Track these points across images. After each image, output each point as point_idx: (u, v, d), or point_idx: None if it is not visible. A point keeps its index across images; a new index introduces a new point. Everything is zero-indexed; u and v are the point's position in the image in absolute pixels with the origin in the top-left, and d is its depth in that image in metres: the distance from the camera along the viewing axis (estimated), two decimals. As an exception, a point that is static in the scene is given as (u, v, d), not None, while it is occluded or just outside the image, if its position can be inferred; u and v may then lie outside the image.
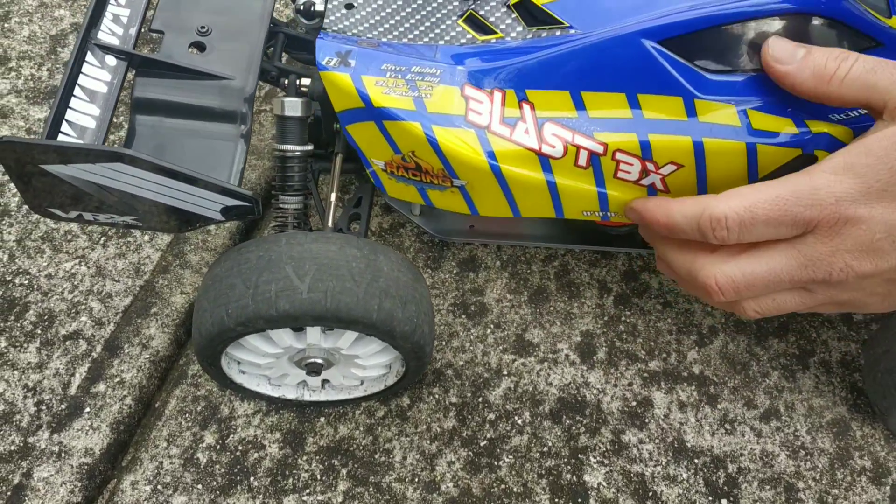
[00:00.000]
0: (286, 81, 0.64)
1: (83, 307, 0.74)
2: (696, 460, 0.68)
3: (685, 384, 0.72)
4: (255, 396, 0.68)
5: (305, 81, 0.63)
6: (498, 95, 0.56)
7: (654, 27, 0.53)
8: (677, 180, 0.57)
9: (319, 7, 0.69)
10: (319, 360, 0.61)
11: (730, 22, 0.53)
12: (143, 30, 0.61)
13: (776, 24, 0.54)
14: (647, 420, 0.70)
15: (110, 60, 0.57)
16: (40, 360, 0.70)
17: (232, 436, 0.68)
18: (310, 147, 0.63)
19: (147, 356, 0.72)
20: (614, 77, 0.55)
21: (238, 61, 0.61)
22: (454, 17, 0.60)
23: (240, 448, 0.67)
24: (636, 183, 0.58)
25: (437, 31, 0.60)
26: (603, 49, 0.54)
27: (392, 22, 0.61)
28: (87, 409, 0.68)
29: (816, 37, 0.54)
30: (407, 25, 0.61)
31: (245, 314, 0.53)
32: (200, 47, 0.61)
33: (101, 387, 0.70)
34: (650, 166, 0.56)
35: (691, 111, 0.55)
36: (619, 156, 0.56)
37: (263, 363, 0.61)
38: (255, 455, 0.67)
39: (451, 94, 0.56)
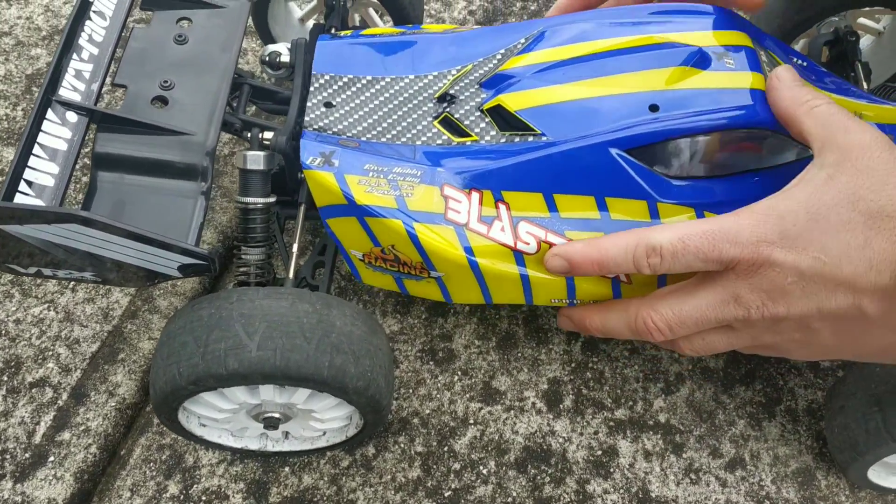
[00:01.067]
0: (249, 134, 0.64)
1: (50, 353, 0.74)
2: (660, 511, 0.68)
3: (651, 433, 0.72)
4: (217, 448, 0.68)
5: (268, 134, 0.64)
6: (476, 196, 0.60)
7: (620, 138, 0.58)
8: (640, 276, 0.60)
9: (285, 58, 0.69)
10: (276, 415, 0.61)
11: (687, 134, 0.58)
12: (105, 84, 0.62)
13: (728, 136, 0.59)
14: (612, 469, 0.70)
15: (71, 117, 0.58)
16: (6, 408, 0.70)
17: (196, 486, 0.68)
18: (272, 199, 0.64)
19: (113, 403, 0.71)
20: (584, 182, 0.60)
21: (200, 115, 0.61)
22: (430, 118, 0.64)
23: (203, 498, 0.67)
24: (602, 276, 0.61)
25: (414, 131, 0.63)
26: (574, 156, 0.59)
27: (370, 121, 0.64)
28: (52, 458, 0.68)
29: (761, 145, 0.60)
30: (385, 125, 0.64)
31: (196, 373, 0.53)
32: (163, 101, 0.62)
33: (66, 435, 0.70)
34: None
35: (654, 213, 0.59)
36: None
37: (221, 418, 0.61)
38: (219, 506, 0.67)
39: (431, 194, 0.59)
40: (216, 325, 0.54)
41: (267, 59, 0.69)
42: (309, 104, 0.65)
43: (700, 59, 0.60)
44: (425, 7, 1.02)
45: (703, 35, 0.62)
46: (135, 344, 0.75)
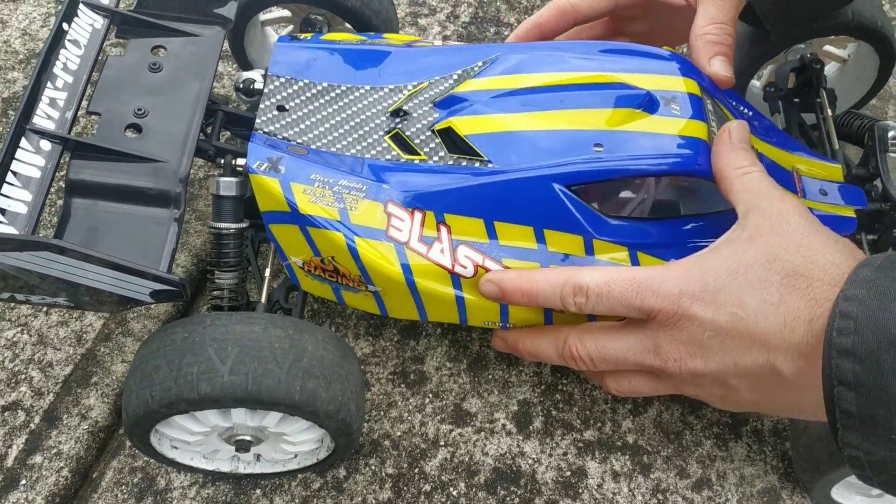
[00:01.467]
0: (223, 160, 0.65)
1: (23, 377, 0.74)
2: (627, 531, 0.69)
3: (619, 453, 0.73)
4: (189, 470, 0.68)
5: (241, 161, 0.65)
6: (418, 216, 0.61)
7: (563, 173, 0.60)
8: None
9: (259, 85, 0.70)
10: (248, 438, 0.62)
11: (629, 176, 0.60)
12: (80, 111, 0.63)
13: (668, 181, 0.61)
14: (580, 490, 0.71)
15: (45, 145, 0.58)
16: (-23, 431, 0.71)
17: (167, 509, 0.68)
18: (245, 224, 0.65)
19: (86, 427, 0.72)
20: (524, 212, 0.61)
21: (173, 143, 0.62)
22: (381, 133, 0.64)
23: (174, 521, 0.68)
24: None
25: (365, 143, 0.64)
26: (517, 186, 0.60)
27: (321, 129, 0.64)
28: (24, 482, 0.69)
29: (697, 192, 0.62)
30: (336, 134, 0.64)
31: (168, 396, 0.54)
32: (137, 129, 0.63)
33: (38, 458, 0.70)
34: None
35: (589, 249, 0.61)
36: None
37: (193, 440, 0.62)
38: (190, 529, 0.67)
39: (374, 210, 0.60)
40: (189, 349, 0.55)
41: (241, 86, 0.70)
42: (262, 106, 0.65)
43: (648, 103, 0.62)
44: (401, 31, 1.04)
45: (653, 78, 0.64)
46: (108, 367, 0.75)
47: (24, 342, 0.76)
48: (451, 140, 0.63)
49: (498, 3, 1.09)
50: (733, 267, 0.51)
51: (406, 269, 0.60)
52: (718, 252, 0.52)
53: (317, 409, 0.56)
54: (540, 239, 0.62)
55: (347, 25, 0.84)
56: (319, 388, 0.56)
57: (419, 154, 0.63)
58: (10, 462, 0.69)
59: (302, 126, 0.64)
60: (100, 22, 0.67)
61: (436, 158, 0.63)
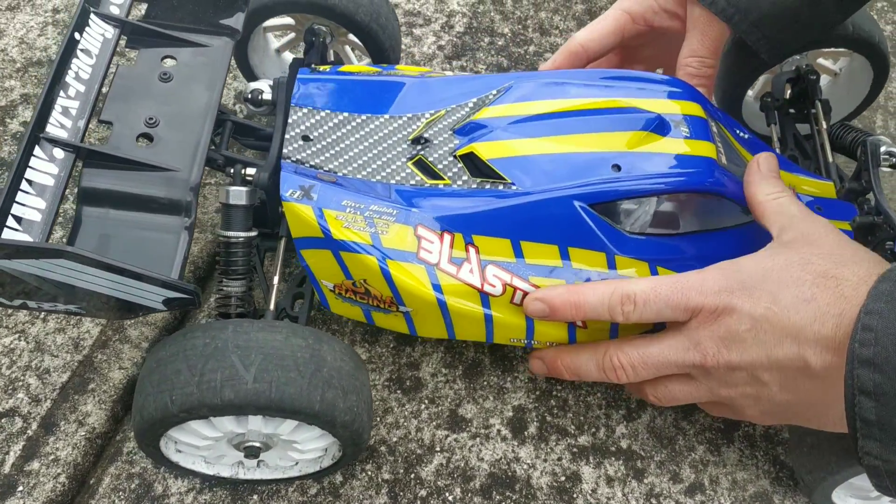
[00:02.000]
0: (232, 170, 0.66)
1: (20, 384, 0.74)
2: (621, 536, 0.70)
3: (613, 459, 0.74)
4: (189, 474, 0.69)
5: (251, 171, 0.66)
6: (447, 238, 0.63)
7: (584, 193, 0.62)
8: (596, 322, 0.64)
9: (267, 96, 0.72)
10: (258, 444, 0.62)
11: (646, 194, 0.63)
12: (91, 121, 0.63)
13: (682, 198, 0.64)
14: (575, 495, 0.72)
15: (58, 153, 0.59)
16: (-26, 438, 0.71)
17: (164, 514, 0.69)
18: (254, 233, 0.66)
19: (83, 433, 0.72)
20: (549, 231, 0.64)
21: (184, 152, 0.63)
22: (404, 159, 0.67)
23: (172, 527, 0.68)
24: None
25: (389, 169, 0.66)
26: (541, 207, 0.63)
27: (347, 157, 0.67)
28: (20, 489, 0.69)
29: (712, 210, 0.65)
30: (361, 161, 0.66)
31: (189, 401, 0.54)
32: (148, 138, 0.63)
33: (36, 465, 0.70)
34: None
35: (612, 264, 0.64)
36: None
37: (202, 445, 0.62)
38: (187, 534, 0.68)
39: (405, 233, 0.62)
40: (212, 354, 0.55)
41: (249, 96, 0.71)
42: (287, 136, 0.67)
43: (659, 125, 0.65)
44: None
45: (663, 103, 0.67)
46: (105, 374, 0.75)
47: (22, 349, 0.76)
48: (474, 164, 0.65)
49: (492, 14, 1.10)
50: (769, 267, 0.55)
51: (437, 289, 0.62)
52: (755, 256, 0.57)
53: (335, 419, 0.57)
54: (564, 256, 0.64)
55: (351, 37, 0.85)
56: (338, 398, 0.57)
57: (443, 179, 0.65)
58: (7, 469, 0.70)
59: (328, 154, 0.66)
60: (110, 32, 0.67)
61: (460, 182, 0.65)
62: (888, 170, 0.75)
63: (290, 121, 0.67)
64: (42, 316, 0.78)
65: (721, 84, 0.89)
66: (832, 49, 0.86)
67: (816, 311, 0.51)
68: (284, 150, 0.66)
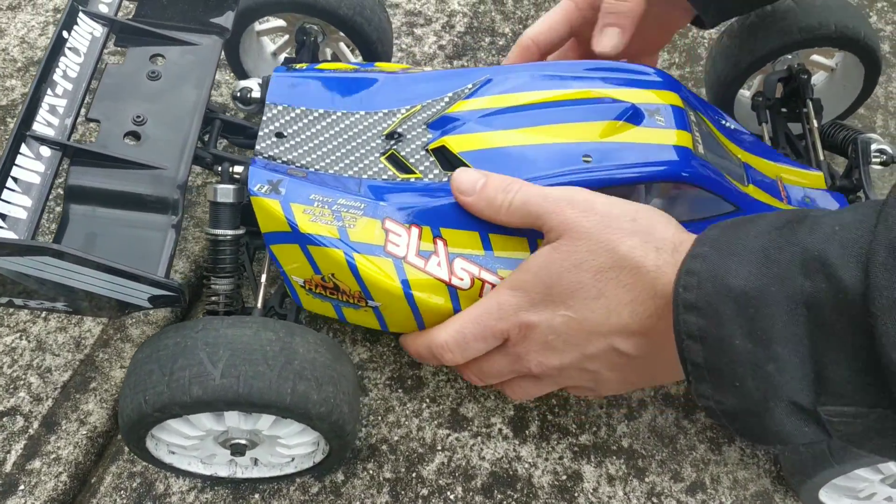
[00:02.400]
0: (220, 168, 0.66)
1: (22, 382, 0.74)
2: (622, 535, 0.70)
3: (614, 457, 0.74)
4: (187, 475, 0.69)
5: (238, 169, 0.66)
6: (415, 231, 0.62)
7: (554, 184, 0.61)
8: None
9: (256, 94, 0.71)
10: (243, 441, 0.62)
11: (618, 184, 0.62)
12: (79, 119, 0.63)
13: (655, 188, 0.63)
14: (576, 494, 0.72)
15: (45, 151, 0.59)
16: (-24, 437, 0.71)
17: (166, 513, 0.69)
18: (241, 231, 0.65)
19: (84, 432, 0.72)
20: None
21: (172, 150, 0.63)
22: (377, 154, 0.66)
23: (173, 526, 0.68)
24: None
25: (362, 164, 0.66)
26: None
27: (319, 153, 0.66)
28: (22, 487, 0.69)
29: (686, 200, 0.65)
30: (334, 157, 0.66)
31: (161, 400, 0.55)
32: (136, 136, 0.63)
33: (37, 463, 0.70)
34: None
35: None
36: None
37: (189, 444, 0.62)
38: (189, 533, 0.68)
39: (372, 226, 0.62)
40: (181, 353, 0.56)
41: (238, 94, 0.71)
42: (261, 133, 0.66)
43: (633, 115, 0.65)
44: (397, 41, 1.05)
45: (637, 92, 0.67)
46: (106, 373, 0.75)
47: (23, 348, 0.76)
48: (446, 158, 0.65)
49: (493, 14, 1.10)
50: (546, 278, 0.55)
51: (405, 283, 0.61)
52: (530, 268, 0.57)
53: (308, 411, 0.57)
54: (534, 248, 0.63)
55: (342, 34, 0.85)
56: (311, 390, 0.57)
57: (415, 172, 0.65)
58: (8, 467, 0.70)
59: (301, 150, 0.66)
60: (99, 30, 0.68)
61: (431, 176, 0.65)
62: (879, 167, 0.76)
63: (264, 118, 0.67)
64: (43, 315, 0.79)
65: (713, 84, 0.89)
66: (819, 48, 0.86)
67: (607, 306, 0.53)
68: (257, 147, 0.65)
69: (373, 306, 0.65)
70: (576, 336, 0.55)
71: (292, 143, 0.67)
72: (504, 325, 0.57)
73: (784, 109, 0.88)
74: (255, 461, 0.69)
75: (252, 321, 0.58)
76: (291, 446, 0.64)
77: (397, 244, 0.62)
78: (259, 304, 0.66)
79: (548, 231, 0.57)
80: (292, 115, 0.68)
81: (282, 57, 0.92)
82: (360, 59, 0.91)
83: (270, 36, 0.92)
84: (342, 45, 0.90)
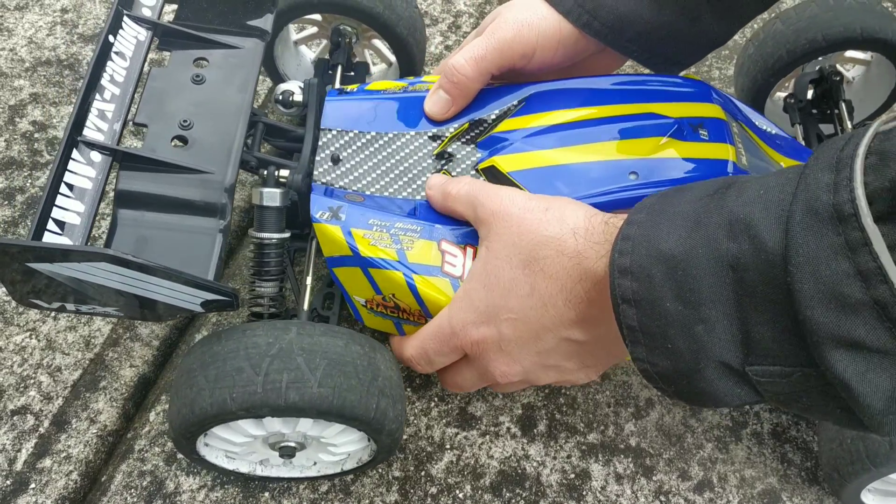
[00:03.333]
0: (265, 172, 0.66)
1: (32, 381, 0.75)
2: (631, 533, 0.70)
3: (622, 456, 0.74)
4: (209, 468, 0.69)
5: (284, 172, 0.66)
6: (470, 251, 0.64)
7: (602, 202, 0.63)
8: None
9: (298, 97, 0.72)
10: (293, 444, 0.62)
11: None
12: (127, 123, 0.63)
13: None
14: (584, 492, 0.72)
15: (95, 156, 0.59)
16: (-13, 435, 0.71)
17: (176, 511, 0.69)
18: (287, 235, 0.66)
19: (95, 431, 0.72)
20: None
21: (219, 154, 0.63)
22: (429, 174, 0.68)
23: (184, 524, 0.68)
24: None
25: (415, 186, 0.68)
26: None
27: (374, 175, 0.68)
28: (33, 486, 0.69)
29: None
30: (387, 180, 0.68)
31: (251, 400, 0.54)
32: (183, 140, 0.63)
33: (48, 462, 0.70)
34: None
35: None
36: None
37: (240, 441, 0.62)
38: (199, 531, 0.68)
39: (429, 248, 0.64)
40: (277, 355, 0.55)
41: (280, 97, 0.71)
42: (317, 158, 0.68)
43: (677, 130, 0.66)
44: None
45: (680, 106, 0.67)
46: (116, 371, 0.76)
47: (33, 347, 0.77)
48: (496, 178, 0.66)
49: (498, 14, 1.11)
50: (485, 280, 0.57)
51: None
52: (472, 273, 0.59)
53: (384, 427, 0.58)
54: None
55: (375, 42, 0.85)
56: (389, 407, 0.58)
57: None
58: (19, 466, 0.70)
59: (356, 174, 0.68)
60: (143, 34, 0.68)
61: None
62: None
63: (319, 143, 0.68)
64: (53, 314, 0.79)
65: (742, 90, 0.89)
66: (849, 51, 0.86)
67: (542, 299, 0.54)
68: (315, 173, 0.67)
69: None
70: (525, 337, 0.56)
71: (347, 166, 0.68)
72: (458, 341, 0.59)
73: (815, 111, 0.88)
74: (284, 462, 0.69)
75: (342, 332, 0.59)
76: (336, 454, 0.65)
77: (454, 264, 0.64)
78: (305, 307, 0.66)
79: (479, 225, 0.60)
80: (346, 138, 0.70)
81: (303, 48, 0.92)
82: (380, 66, 0.91)
83: (308, 44, 0.92)
84: (367, 52, 0.90)
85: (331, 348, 0.56)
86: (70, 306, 0.57)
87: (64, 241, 0.54)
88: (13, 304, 0.79)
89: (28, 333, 0.78)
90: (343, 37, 0.84)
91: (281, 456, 0.63)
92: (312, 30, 0.89)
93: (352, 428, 0.59)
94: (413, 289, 0.63)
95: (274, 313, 0.65)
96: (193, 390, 0.56)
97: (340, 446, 0.64)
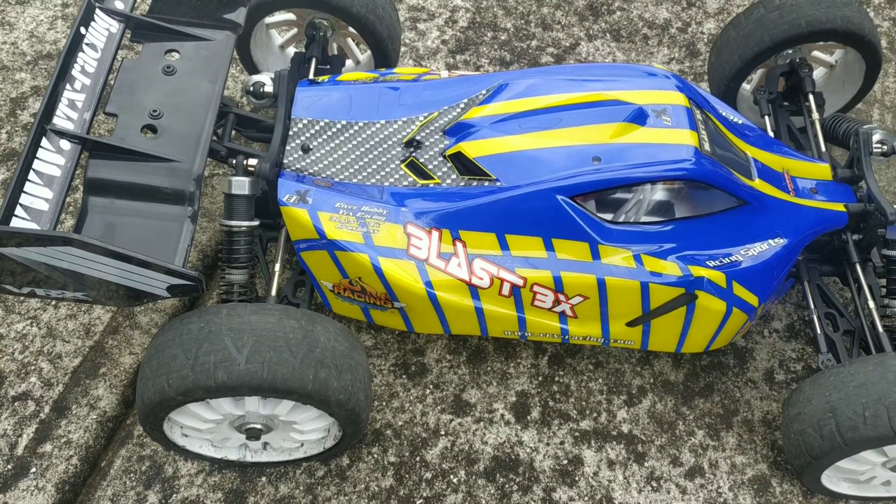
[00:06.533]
0: (234, 161, 0.68)
1: (33, 368, 0.76)
2: (622, 517, 0.71)
3: (614, 443, 0.75)
4: (197, 458, 0.70)
5: (253, 161, 0.67)
6: (435, 234, 0.66)
7: (565, 185, 0.66)
8: (584, 309, 0.68)
9: (269, 88, 0.73)
10: (258, 426, 0.63)
11: (627, 184, 0.66)
12: (97, 113, 0.65)
13: (663, 186, 0.67)
14: (577, 478, 0.73)
15: (65, 145, 0.61)
16: (-12, 420, 0.72)
17: (175, 495, 0.70)
18: (256, 223, 0.67)
19: (94, 416, 0.73)
20: (533, 224, 0.67)
21: (187, 143, 0.65)
22: (398, 162, 0.70)
23: (182, 508, 0.69)
24: (550, 310, 0.69)
25: (383, 172, 0.70)
26: (524, 201, 0.66)
27: (344, 163, 0.70)
28: (34, 470, 0.70)
29: (692, 196, 0.68)
30: (357, 167, 0.70)
31: (185, 384, 0.56)
32: (152, 129, 0.65)
33: (48, 447, 0.71)
34: (561, 297, 0.68)
35: (595, 254, 0.67)
36: (536, 288, 0.67)
37: (205, 428, 0.64)
38: (197, 514, 0.69)
39: (395, 231, 0.66)
40: (206, 338, 0.57)
41: (251, 88, 0.73)
42: (288, 147, 0.70)
43: (640, 116, 0.68)
44: (401, 37, 1.06)
45: (644, 94, 0.70)
46: (116, 359, 0.77)
47: (34, 334, 0.78)
48: (462, 163, 0.68)
49: (495, 9, 1.12)
50: None
51: (427, 284, 0.65)
52: None
53: (328, 398, 0.58)
54: (549, 247, 0.67)
55: (351, 30, 0.86)
56: (331, 377, 0.58)
57: (434, 178, 0.69)
58: (20, 451, 0.71)
59: (326, 162, 0.70)
60: (115, 26, 0.69)
61: (449, 181, 0.68)
62: (881, 158, 0.77)
63: (290, 133, 0.70)
64: (54, 303, 0.80)
65: (717, 77, 0.91)
66: (824, 42, 0.87)
67: None
68: (285, 161, 0.69)
69: (398, 307, 0.68)
70: None
71: (318, 154, 0.70)
72: None
73: (786, 103, 0.90)
74: (266, 446, 0.70)
75: (274, 308, 0.59)
76: (305, 432, 0.66)
77: (419, 247, 0.66)
78: (273, 293, 0.68)
79: None
80: (316, 128, 0.71)
81: (290, 50, 0.93)
82: (366, 54, 0.93)
83: (278, 29, 0.93)
84: (349, 40, 0.91)
85: (260, 325, 0.57)
86: (40, 291, 0.58)
87: (31, 226, 0.55)
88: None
89: (29, 321, 0.79)
90: (317, 30, 0.85)
91: (248, 438, 0.64)
92: (290, 24, 0.90)
93: (302, 404, 0.60)
94: (379, 271, 0.64)
95: (243, 300, 0.66)
96: (142, 381, 0.59)
97: (304, 424, 0.64)
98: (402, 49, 1.06)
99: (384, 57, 0.88)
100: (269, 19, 0.88)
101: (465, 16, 1.10)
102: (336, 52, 0.93)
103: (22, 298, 0.80)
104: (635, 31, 1.07)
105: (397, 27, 0.89)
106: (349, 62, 0.94)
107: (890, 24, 1.14)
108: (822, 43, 0.88)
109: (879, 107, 1.04)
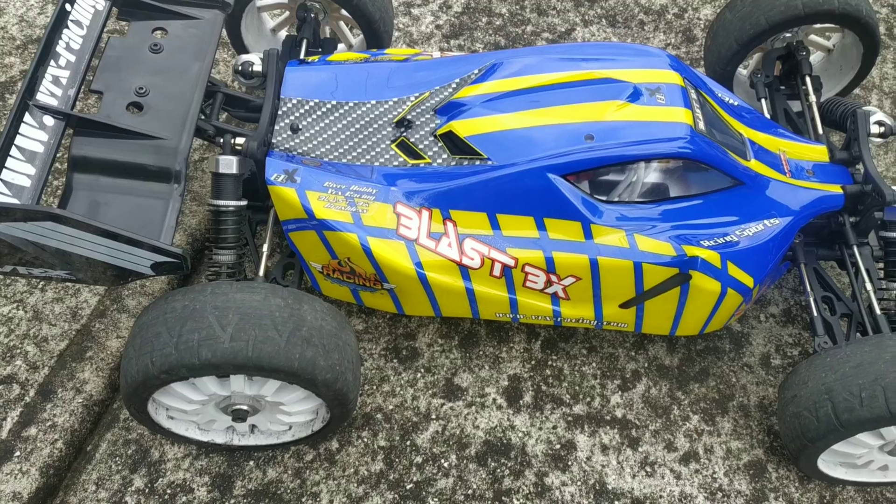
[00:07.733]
0: (222, 140, 0.67)
1: (18, 351, 0.75)
2: (616, 502, 0.70)
3: (608, 427, 0.74)
4: (184, 441, 0.69)
5: (240, 140, 0.66)
6: (425, 213, 0.65)
7: (557, 164, 0.64)
8: (576, 290, 0.67)
9: (257, 68, 0.72)
10: (245, 407, 0.62)
11: (620, 162, 0.65)
12: (83, 89, 0.64)
13: (657, 165, 0.66)
14: (570, 462, 0.72)
15: (48, 121, 0.60)
16: (-28, 404, 0.71)
17: (161, 479, 0.69)
18: (243, 202, 0.66)
19: (80, 400, 0.72)
20: (524, 203, 0.66)
21: (174, 121, 0.64)
22: (388, 142, 0.69)
23: (168, 492, 0.68)
24: (541, 291, 0.68)
25: (374, 152, 0.69)
26: (515, 180, 0.65)
27: (333, 143, 0.69)
28: (17, 453, 0.69)
29: (686, 175, 0.67)
30: (347, 146, 0.69)
31: (168, 362, 0.55)
32: (138, 107, 0.64)
33: (33, 430, 0.70)
34: (554, 278, 0.67)
35: (588, 234, 0.66)
36: (527, 269, 0.66)
37: (190, 409, 0.63)
38: (184, 499, 0.68)
39: (384, 211, 0.65)
40: (190, 316, 0.56)
41: (240, 68, 0.72)
42: (276, 127, 0.69)
43: (633, 94, 0.67)
44: (394, 21, 1.05)
45: (638, 73, 0.69)
46: (103, 342, 0.76)
47: (20, 318, 0.77)
48: (453, 143, 0.67)
49: (489, -5, 1.11)
50: None
51: (417, 264, 0.64)
52: None
53: (315, 378, 0.57)
54: (541, 227, 0.66)
55: (343, 13, 0.85)
56: (318, 356, 0.57)
57: (424, 158, 0.68)
58: (4, 434, 0.70)
59: (315, 142, 0.69)
60: (101, 3, 0.68)
61: (439, 161, 0.67)
62: (878, 140, 0.76)
63: (279, 112, 0.69)
64: (41, 286, 0.79)
65: (713, 59, 0.89)
66: (822, 25, 0.86)
67: None
68: (274, 140, 0.67)
69: (388, 289, 0.67)
70: None
71: (307, 134, 0.69)
72: None
73: (783, 87, 0.89)
74: (253, 429, 0.69)
75: (260, 287, 0.58)
76: (292, 413, 0.64)
77: (409, 227, 0.65)
78: (261, 273, 0.67)
79: None
80: (306, 107, 0.70)
81: (282, 33, 0.92)
82: (360, 37, 0.92)
83: (270, 13, 0.92)
84: (342, 23, 0.90)
85: (245, 304, 0.56)
86: (22, 269, 0.57)
87: (11, 201, 0.54)
88: (0, 276, 0.79)
89: (15, 304, 0.78)
90: (309, 12, 0.84)
91: (234, 420, 0.63)
92: (281, 7, 0.89)
93: (288, 384, 0.59)
94: (367, 251, 0.63)
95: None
96: (125, 361, 0.58)
97: (291, 406, 0.63)
98: (396, 34, 1.05)
99: (377, 40, 0.87)
100: (260, 2, 0.87)
101: (460, 1, 1.09)
102: (328, 36, 0.92)
103: (8, 282, 0.79)
104: (631, 16, 1.06)
105: (390, 9, 0.88)
106: (341, 45, 0.92)
107: (889, 11, 1.13)
108: (819, 25, 0.87)
109: (878, 92, 1.03)
